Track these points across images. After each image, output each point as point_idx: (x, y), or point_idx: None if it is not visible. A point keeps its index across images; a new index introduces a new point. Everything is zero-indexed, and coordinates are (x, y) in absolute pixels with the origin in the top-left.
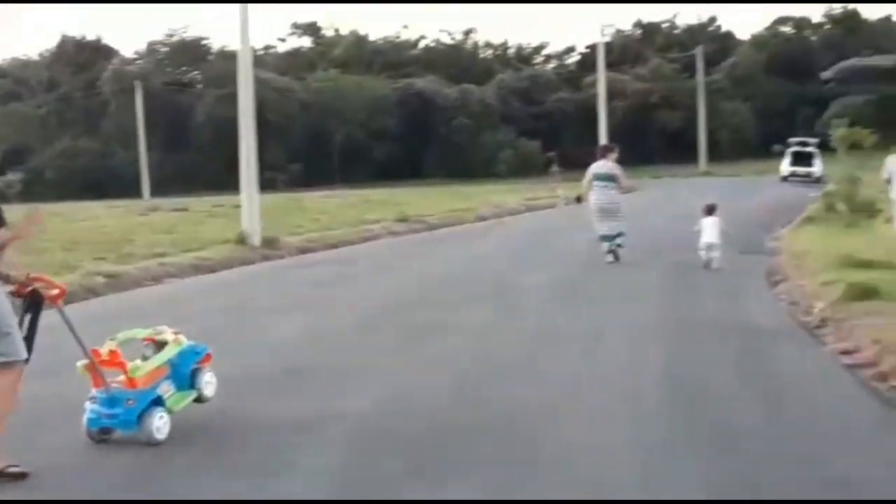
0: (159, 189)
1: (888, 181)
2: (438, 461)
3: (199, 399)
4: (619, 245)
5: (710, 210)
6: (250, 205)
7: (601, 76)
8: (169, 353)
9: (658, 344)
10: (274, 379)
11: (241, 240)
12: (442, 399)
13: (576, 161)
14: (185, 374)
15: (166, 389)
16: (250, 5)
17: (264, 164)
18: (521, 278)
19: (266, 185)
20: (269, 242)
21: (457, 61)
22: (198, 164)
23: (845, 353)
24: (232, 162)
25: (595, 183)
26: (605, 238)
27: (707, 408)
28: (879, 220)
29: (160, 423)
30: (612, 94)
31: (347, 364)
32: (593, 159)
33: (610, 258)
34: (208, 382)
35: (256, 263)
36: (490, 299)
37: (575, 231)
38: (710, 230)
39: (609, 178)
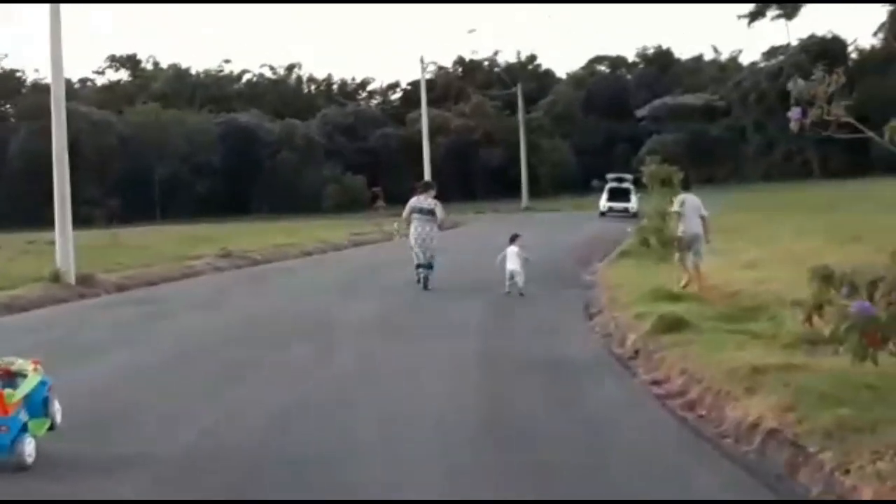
0: None
1: (679, 215)
2: None
3: (52, 427)
4: (427, 274)
5: (512, 239)
6: (65, 241)
7: (424, 112)
8: (34, 381)
9: (474, 379)
10: (83, 423)
11: (56, 277)
12: (252, 441)
13: (400, 196)
14: (38, 402)
15: (24, 417)
16: (64, 37)
17: (80, 199)
18: (343, 315)
19: (83, 220)
20: (85, 280)
21: (280, 96)
22: (12, 198)
23: (656, 383)
24: (47, 196)
25: (415, 216)
26: (419, 266)
27: (518, 441)
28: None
29: (30, 449)
30: (435, 130)
31: (157, 406)
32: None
33: (421, 286)
34: (57, 410)
35: (71, 302)
36: (311, 336)
37: (397, 267)
38: (511, 258)
39: (429, 212)
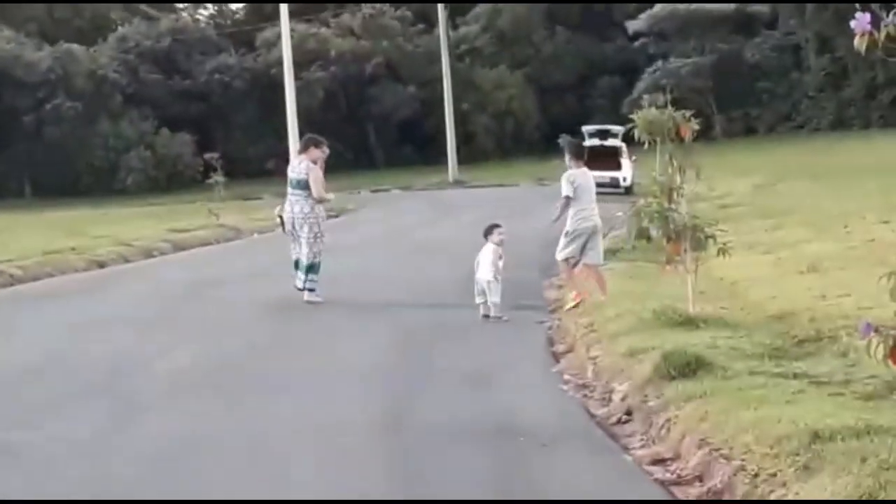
0: None
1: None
2: None
3: None
4: (311, 281)
5: (488, 232)
6: None
7: (285, 29)
8: None
9: (372, 462)
10: None
11: None
12: None
13: (249, 166)
14: None
15: None
16: None
17: None
18: (153, 360)
19: None
20: None
21: (50, 8)
22: None
23: (659, 462)
24: None
25: (288, 190)
26: (296, 265)
27: None
28: (712, 251)
29: None
30: (306, 59)
31: None
32: (280, 164)
33: (304, 297)
34: None
35: None
36: (96, 398)
37: (251, 283)
38: (484, 263)
39: (298, 183)
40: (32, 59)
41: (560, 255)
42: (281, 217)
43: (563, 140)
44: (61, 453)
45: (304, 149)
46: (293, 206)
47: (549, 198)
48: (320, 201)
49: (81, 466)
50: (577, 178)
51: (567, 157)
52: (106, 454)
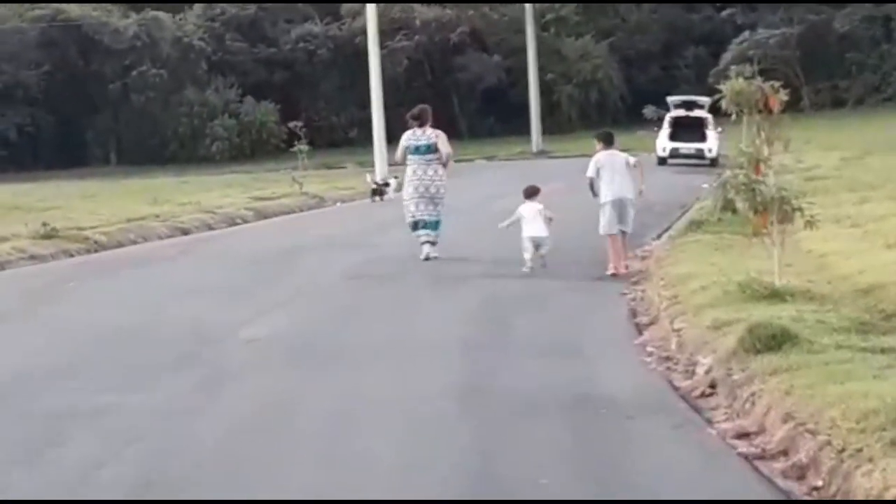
0: None
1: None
2: None
3: None
4: (431, 237)
5: (530, 193)
6: None
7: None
8: None
9: (455, 433)
10: None
11: None
12: None
13: (333, 135)
14: None
15: None
16: None
17: None
18: (236, 330)
19: None
20: None
21: None
22: None
23: (743, 436)
24: None
25: (411, 157)
26: (419, 224)
27: None
28: (798, 223)
29: None
30: (390, 28)
31: None
32: (363, 133)
33: (427, 250)
34: None
35: None
36: (180, 367)
37: (336, 252)
38: (533, 222)
39: (428, 149)
40: (119, 26)
41: (600, 231)
42: (377, 183)
43: (650, 111)
44: (145, 419)
45: (425, 119)
46: (424, 169)
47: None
48: (447, 163)
49: (163, 433)
50: (601, 159)
51: (596, 143)
52: (189, 422)
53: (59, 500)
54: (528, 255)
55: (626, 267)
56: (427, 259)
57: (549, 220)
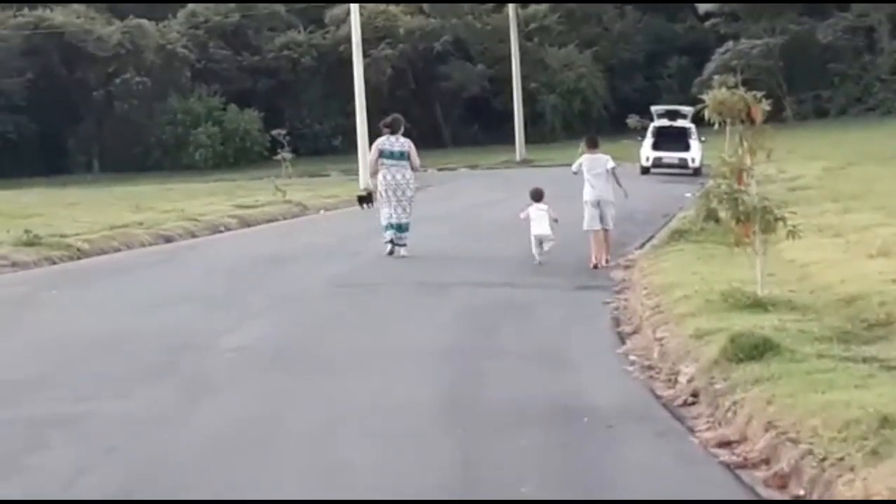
0: None
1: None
2: None
3: None
4: (403, 239)
5: (537, 196)
6: None
7: (354, 7)
8: None
9: (437, 442)
10: None
11: None
12: None
13: (317, 143)
14: None
15: None
16: None
17: None
18: (219, 338)
19: None
20: None
21: None
22: None
23: (724, 445)
24: None
25: (384, 161)
26: (390, 227)
27: None
28: (781, 233)
29: None
30: (374, 36)
31: None
32: (346, 141)
33: (390, 248)
34: None
35: None
36: (163, 374)
37: (320, 259)
38: (539, 221)
39: (401, 155)
40: (102, 33)
41: (584, 227)
42: (364, 194)
43: (634, 121)
44: (126, 428)
45: (397, 128)
46: (395, 174)
47: (619, 177)
48: (416, 170)
49: (142, 442)
50: (584, 161)
51: (582, 146)
52: (167, 432)
53: (55, 499)
54: (535, 251)
55: (607, 261)
56: (392, 254)
57: (554, 221)
